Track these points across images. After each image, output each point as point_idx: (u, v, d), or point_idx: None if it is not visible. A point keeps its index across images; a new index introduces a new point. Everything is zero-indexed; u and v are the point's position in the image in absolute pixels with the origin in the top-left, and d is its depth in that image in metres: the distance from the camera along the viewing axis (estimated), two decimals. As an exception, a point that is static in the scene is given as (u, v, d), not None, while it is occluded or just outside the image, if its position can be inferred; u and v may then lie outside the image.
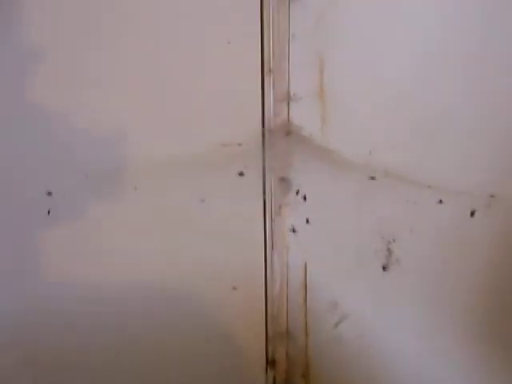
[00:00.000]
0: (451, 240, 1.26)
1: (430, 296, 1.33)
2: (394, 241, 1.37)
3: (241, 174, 1.45)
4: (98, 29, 1.31)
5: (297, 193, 1.48)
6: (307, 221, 1.50)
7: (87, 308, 1.50)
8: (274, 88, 1.39)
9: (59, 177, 1.39)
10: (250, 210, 1.51)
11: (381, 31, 1.28)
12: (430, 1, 1.21)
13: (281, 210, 1.52)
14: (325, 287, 1.56)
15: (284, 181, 1.49)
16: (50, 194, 1.39)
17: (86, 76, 1.34)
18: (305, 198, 1.49)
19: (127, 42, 1.33)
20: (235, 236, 1.52)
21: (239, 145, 1.42)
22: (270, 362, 1.72)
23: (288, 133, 1.43)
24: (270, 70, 1.38)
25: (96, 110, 1.36)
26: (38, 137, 1.36)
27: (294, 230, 1.53)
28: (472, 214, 1.22)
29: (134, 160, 1.41)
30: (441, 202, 1.25)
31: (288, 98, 1.40)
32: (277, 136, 1.43)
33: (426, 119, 1.24)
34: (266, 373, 1.72)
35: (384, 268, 1.40)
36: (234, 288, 1.58)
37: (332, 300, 1.55)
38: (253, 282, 1.59)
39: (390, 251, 1.39)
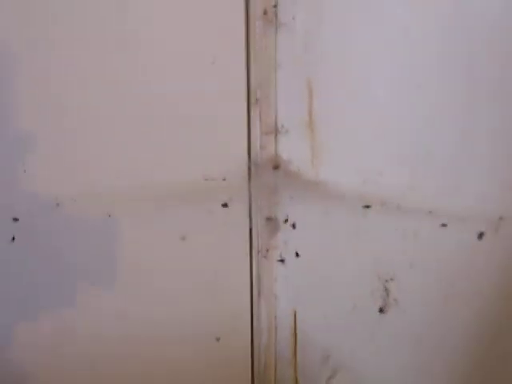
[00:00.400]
0: (456, 268, 1.19)
1: (432, 340, 1.24)
2: (391, 279, 1.28)
3: (225, 211, 1.35)
4: (80, 52, 1.23)
5: (286, 222, 1.39)
6: (297, 263, 1.40)
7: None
8: (260, 119, 1.32)
9: (27, 203, 1.29)
10: (234, 252, 1.40)
11: (372, 54, 1.23)
12: (420, 20, 1.19)
13: (268, 253, 1.42)
14: (316, 337, 1.44)
15: (271, 221, 1.39)
16: (16, 219, 1.30)
17: (62, 100, 1.25)
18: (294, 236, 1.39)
19: (109, 68, 1.25)
20: (218, 280, 1.40)
21: (223, 180, 1.33)
22: (257, 424, 1.58)
23: (275, 167, 1.34)
24: (256, 100, 1.31)
25: (71, 135, 1.27)
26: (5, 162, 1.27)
27: (283, 276, 1.43)
28: (480, 236, 1.15)
29: (109, 188, 1.31)
30: (444, 225, 1.17)
31: (276, 131, 1.32)
32: (264, 171, 1.34)
33: (422, 143, 1.20)
34: None
35: (381, 310, 1.30)
36: (217, 339, 1.45)
37: (324, 351, 1.43)
38: (237, 332, 1.46)
39: (387, 291, 1.29)
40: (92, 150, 1.28)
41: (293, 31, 1.24)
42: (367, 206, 1.28)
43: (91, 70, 1.24)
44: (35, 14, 1.17)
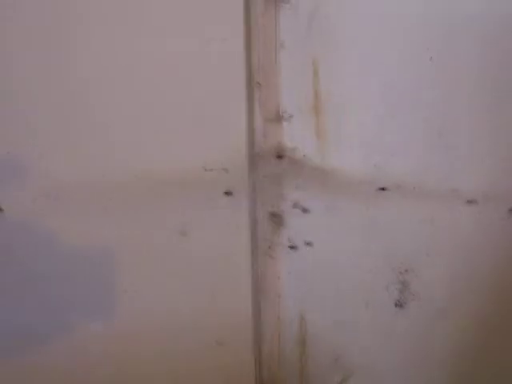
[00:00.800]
0: (482, 251, 1.11)
1: (454, 336, 1.15)
2: (407, 271, 1.20)
3: (225, 204, 1.25)
4: (76, 48, 1.17)
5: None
6: (304, 259, 1.30)
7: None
8: (262, 105, 1.23)
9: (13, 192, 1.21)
10: (235, 250, 1.30)
11: (382, 29, 1.16)
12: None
13: (271, 251, 1.33)
14: (325, 339, 1.34)
15: (275, 216, 1.31)
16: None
17: (61, 87, 1.19)
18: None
19: (106, 56, 1.18)
20: (219, 280, 1.31)
21: (224, 170, 1.24)
22: (262, 434, 1.48)
23: (279, 156, 1.25)
24: (257, 84, 1.22)
25: (67, 122, 1.20)
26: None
27: (288, 272, 1.33)
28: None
29: (106, 178, 1.23)
30: (470, 202, 1.09)
31: (279, 117, 1.24)
32: (267, 160, 1.26)
33: (438, 119, 1.14)
34: None
35: (397, 305, 1.21)
36: (219, 343, 1.35)
37: (335, 355, 1.33)
38: (240, 336, 1.35)
39: (403, 283, 1.21)
40: (87, 138, 1.21)
41: (296, 7, 1.16)
42: (382, 189, 1.20)
43: (88, 58, 1.18)
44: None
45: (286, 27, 1.18)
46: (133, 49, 1.17)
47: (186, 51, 1.18)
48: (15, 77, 1.18)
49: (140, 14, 1.16)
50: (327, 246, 1.28)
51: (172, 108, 1.21)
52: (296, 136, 1.23)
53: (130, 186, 1.23)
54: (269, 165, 1.25)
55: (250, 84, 1.22)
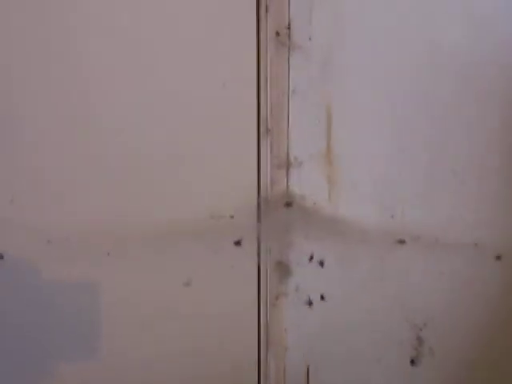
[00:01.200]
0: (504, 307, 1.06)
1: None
2: (425, 325, 1.15)
3: (232, 253, 1.21)
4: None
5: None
6: (312, 309, 1.25)
7: None
8: (271, 151, 1.20)
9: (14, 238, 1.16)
10: (241, 299, 1.25)
11: (399, 75, 1.14)
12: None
13: (278, 301, 1.28)
14: (333, 397, 1.29)
15: (282, 265, 1.26)
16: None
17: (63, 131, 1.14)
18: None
19: (117, 97, 1.15)
20: (223, 330, 1.26)
21: (231, 217, 1.20)
22: None
23: (288, 204, 1.22)
24: (267, 131, 1.19)
25: (71, 172, 1.16)
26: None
27: (295, 325, 1.28)
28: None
29: (107, 226, 1.18)
30: (498, 258, 1.06)
31: (288, 163, 1.20)
32: (275, 208, 1.21)
33: (461, 168, 1.11)
34: None
35: (413, 362, 1.16)
36: (222, 396, 1.30)
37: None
38: (244, 389, 1.31)
39: (419, 339, 1.16)
40: (90, 187, 1.17)
41: (308, 53, 1.14)
42: (401, 242, 1.16)
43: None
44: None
45: (298, 72, 1.15)
46: (143, 87, 1.14)
47: (199, 96, 1.15)
48: (18, 117, 1.14)
49: (154, 55, 1.14)
50: (339, 299, 1.23)
51: (183, 154, 1.17)
52: (306, 183, 1.20)
53: (132, 236, 1.19)
54: (277, 212, 1.21)
55: (260, 130, 1.19)
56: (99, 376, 1.25)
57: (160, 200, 1.19)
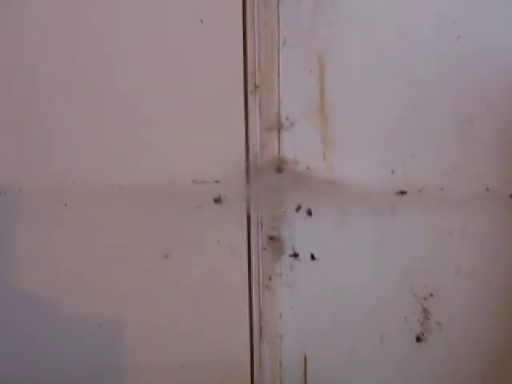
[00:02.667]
0: None
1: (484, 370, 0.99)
2: (431, 295, 1.03)
3: (218, 225, 1.10)
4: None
5: (295, 255, 1.13)
6: (307, 291, 1.14)
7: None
8: (260, 111, 1.09)
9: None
10: (229, 282, 1.14)
11: (400, 18, 1.04)
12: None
13: (271, 282, 1.16)
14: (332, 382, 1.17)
15: (275, 240, 1.14)
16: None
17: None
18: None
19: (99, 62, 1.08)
20: (211, 316, 1.15)
21: (216, 182, 1.09)
22: None
23: (279, 170, 1.10)
24: (255, 88, 1.09)
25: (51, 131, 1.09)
26: None
27: (290, 307, 1.16)
28: None
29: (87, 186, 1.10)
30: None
31: (279, 125, 1.09)
32: (265, 173, 1.10)
33: (465, 108, 1.03)
34: None
35: (418, 339, 1.04)
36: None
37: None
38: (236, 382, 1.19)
39: (426, 312, 1.03)
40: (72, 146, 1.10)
41: (299, -1, 1.05)
42: (401, 193, 1.05)
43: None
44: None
45: (289, 21, 1.05)
46: (124, 50, 1.07)
47: (177, 46, 1.06)
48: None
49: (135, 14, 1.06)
50: (336, 268, 1.12)
51: (160, 113, 1.08)
52: (299, 146, 1.09)
53: (110, 199, 1.10)
54: (267, 179, 1.10)
55: (247, 87, 1.08)
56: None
57: (138, 163, 1.09)
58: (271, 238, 1.15)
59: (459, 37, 1.02)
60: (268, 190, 1.11)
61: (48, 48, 1.07)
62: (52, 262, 1.12)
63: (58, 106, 1.08)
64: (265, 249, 1.13)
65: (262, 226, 1.13)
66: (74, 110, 1.08)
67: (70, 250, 1.11)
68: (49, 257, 1.12)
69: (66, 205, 1.09)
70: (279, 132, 1.10)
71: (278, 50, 1.07)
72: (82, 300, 1.14)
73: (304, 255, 1.12)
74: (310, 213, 1.11)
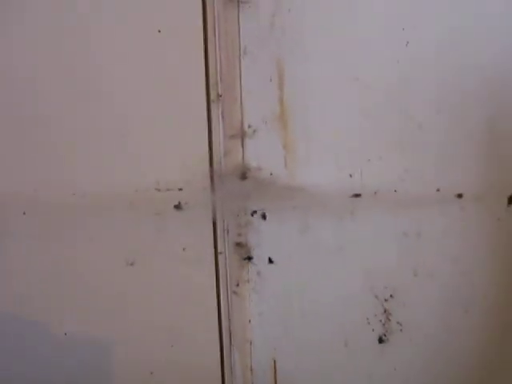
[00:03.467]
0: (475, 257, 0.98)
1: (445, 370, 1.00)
2: (391, 296, 1.04)
3: (180, 233, 1.11)
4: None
5: (258, 260, 1.14)
6: (274, 297, 1.14)
7: None
8: (223, 119, 1.10)
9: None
10: (196, 289, 1.14)
11: (351, 20, 1.06)
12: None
13: (239, 288, 1.17)
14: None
15: (241, 247, 1.15)
16: None
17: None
18: (270, 261, 1.14)
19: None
20: (178, 323, 1.15)
21: (180, 190, 1.10)
22: None
23: (243, 176, 1.11)
24: (217, 96, 1.10)
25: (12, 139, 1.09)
26: None
27: (259, 313, 1.17)
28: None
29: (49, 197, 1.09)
30: (460, 196, 0.98)
31: (242, 132, 1.10)
32: (229, 180, 1.11)
33: (416, 116, 1.06)
34: None
35: (381, 340, 1.05)
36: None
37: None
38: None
39: (387, 313, 1.05)
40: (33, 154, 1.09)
41: (257, 5, 1.06)
42: (356, 195, 1.06)
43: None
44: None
45: (248, 30, 1.07)
46: (83, 61, 1.06)
47: (139, 59, 1.06)
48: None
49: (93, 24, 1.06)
50: (300, 272, 1.13)
51: (127, 122, 1.08)
52: (262, 153, 1.10)
53: (73, 207, 1.09)
54: (232, 186, 1.11)
55: (209, 96, 1.09)
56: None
57: (100, 171, 1.09)
58: (238, 244, 1.16)
59: (408, 43, 1.05)
60: (233, 197, 1.12)
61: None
62: (10, 272, 1.11)
63: (18, 114, 1.07)
64: (233, 253, 1.14)
65: (228, 233, 1.15)
66: (35, 118, 1.07)
67: (29, 260, 1.10)
68: (6, 267, 1.11)
69: (24, 213, 1.09)
70: (242, 139, 1.11)
71: (239, 58, 1.09)
72: (45, 310, 1.13)
73: (266, 260, 1.14)
74: (269, 218, 1.12)
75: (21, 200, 1.08)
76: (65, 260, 1.10)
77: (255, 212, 1.12)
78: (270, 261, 1.13)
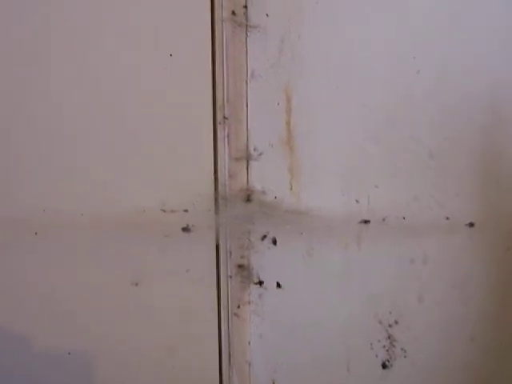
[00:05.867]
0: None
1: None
2: (396, 322, 1.04)
3: (186, 254, 1.10)
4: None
5: (260, 283, 1.14)
6: (276, 319, 1.14)
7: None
8: (229, 142, 1.11)
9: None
10: (198, 310, 1.14)
11: (361, 55, 1.08)
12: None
13: (240, 310, 1.17)
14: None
15: (244, 269, 1.15)
16: None
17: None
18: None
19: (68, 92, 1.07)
20: (179, 344, 1.14)
21: (185, 211, 1.10)
22: None
23: (248, 199, 1.12)
24: (223, 119, 1.10)
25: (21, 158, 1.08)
26: None
27: (260, 336, 1.17)
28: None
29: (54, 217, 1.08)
30: (472, 225, 0.98)
31: (247, 155, 1.11)
32: (233, 203, 1.12)
33: (426, 141, 1.07)
34: None
35: (384, 365, 1.05)
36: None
37: None
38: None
39: (391, 339, 1.05)
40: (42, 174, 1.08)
41: (265, 31, 1.07)
42: (365, 222, 1.07)
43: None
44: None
45: (257, 54, 1.08)
46: (93, 83, 1.06)
47: (148, 80, 1.07)
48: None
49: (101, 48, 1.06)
50: (303, 296, 1.13)
51: (134, 144, 1.08)
52: (267, 176, 1.11)
53: (77, 228, 1.08)
54: (236, 209, 1.11)
55: (216, 119, 1.10)
56: None
57: (108, 192, 1.08)
58: (240, 267, 1.16)
59: (419, 71, 1.07)
60: (237, 220, 1.12)
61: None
62: (21, 291, 1.10)
63: (27, 132, 1.06)
64: (231, 277, 1.15)
65: (230, 255, 1.15)
66: (43, 137, 1.06)
67: (39, 279, 1.09)
68: (18, 286, 1.10)
69: (36, 234, 1.09)
70: (248, 162, 1.12)
71: (246, 82, 1.10)
72: (51, 328, 1.12)
73: (270, 284, 1.14)
74: (275, 242, 1.13)
75: (32, 220, 1.08)
76: (71, 279, 1.10)
77: (265, 237, 1.13)
78: (279, 285, 1.14)
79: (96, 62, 1.06)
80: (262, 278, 1.13)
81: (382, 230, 1.07)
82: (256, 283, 1.14)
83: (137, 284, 1.11)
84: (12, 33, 1.03)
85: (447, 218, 1.08)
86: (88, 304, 1.11)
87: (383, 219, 1.08)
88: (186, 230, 1.11)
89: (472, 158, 1.10)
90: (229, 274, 1.15)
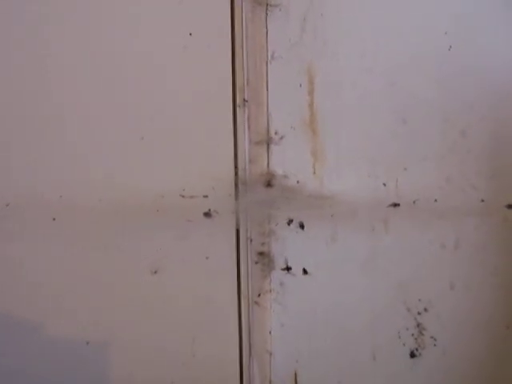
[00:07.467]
0: None
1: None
2: (426, 310, 1.01)
3: (205, 241, 1.08)
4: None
5: (288, 269, 1.11)
6: (298, 308, 1.12)
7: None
8: (249, 125, 1.08)
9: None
10: (218, 299, 1.12)
11: (384, 25, 1.05)
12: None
13: (261, 299, 1.14)
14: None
15: (264, 256, 1.12)
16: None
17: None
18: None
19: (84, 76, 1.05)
20: (198, 333, 1.12)
21: (205, 197, 1.07)
22: None
23: (269, 184, 1.09)
24: (243, 102, 1.08)
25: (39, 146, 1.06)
26: None
27: (280, 324, 1.14)
28: None
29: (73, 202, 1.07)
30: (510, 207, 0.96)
31: (268, 139, 1.08)
32: (254, 188, 1.09)
33: (458, 120, 1.04)
34: None
35: (412, 354, 1.02)
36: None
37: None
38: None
39: (420, 327, 1.02)
40: (60, 161, 1.06)
41: (287, 10, 1.04)
42: (395, 205, 1.04)
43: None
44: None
45: (277, 34, 1.05)
46: (112, 66, 1.05)
47: (165, 63, 1.04)
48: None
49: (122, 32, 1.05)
50: (328, 283, 1.10)
51: (148, 128, 1.06)
52: (289, 160, 1.08)
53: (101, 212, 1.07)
54: (257, 194, 1.09)
55: (236, 102, 1.07)
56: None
57: (126, 177, 1.06)
58: (261, 254, 1.14)
59: (451, 47, 1.03)
60: (257, 205, 1.10)
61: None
62: (39, 277, 1.08)
63: (44, 119, 1.05)
64: (256, 263, 1.12)
65: (251, 242, 1.12)
66: (62, 124, 1.05)
67: (57, 265, 1.07)
68: (36, 272, 1.08)
69: (54, 219, 1.06)
70: (268, 146, 1.09)
71: (267, 63, 1.07)
72: (68, 317, 1.10)
73: (296, 270, 1.11)
74: (302, 226, 1.10)
75: (50, 207, 1.05)
76: (89, 266, 1.08)
77: (291, 221, 1.10)
78: (305, 271, 1.11)
79: (116, 42, 1.04)
80: (288, 264, 1.11)
81: (412, 213, 1.04)
82: (283, 269, 1.11)
83: (156, 272, 1.09)
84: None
85: (482, 201, 1.05)
86: (105, 292, 1.10)
87: (414, 202, 1.05)
88: (207, 215, 1.08)
89: (507, 140, 1.07)
90: (249, 261, 1.13)
